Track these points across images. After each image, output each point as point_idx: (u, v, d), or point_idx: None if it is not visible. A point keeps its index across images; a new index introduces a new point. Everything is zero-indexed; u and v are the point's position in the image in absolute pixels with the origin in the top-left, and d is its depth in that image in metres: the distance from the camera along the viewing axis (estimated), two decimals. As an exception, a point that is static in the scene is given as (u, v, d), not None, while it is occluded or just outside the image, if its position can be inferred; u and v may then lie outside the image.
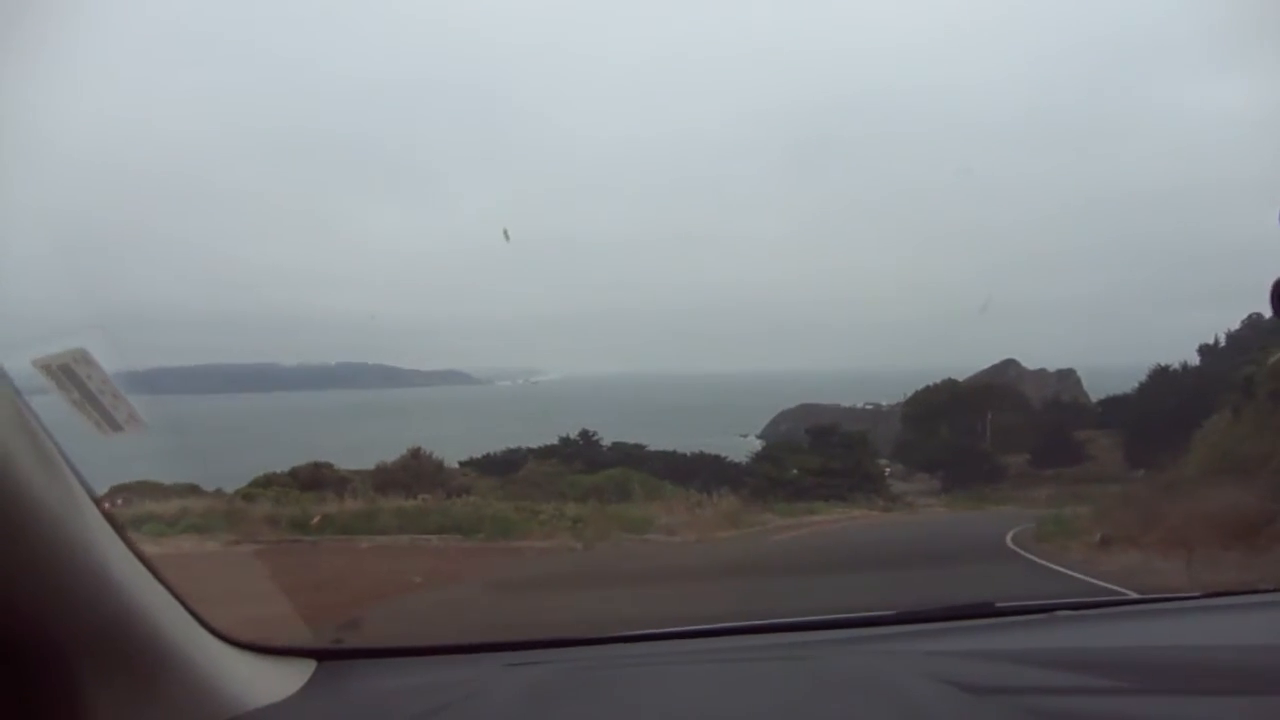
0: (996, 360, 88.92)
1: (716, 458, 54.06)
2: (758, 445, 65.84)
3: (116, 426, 1.90)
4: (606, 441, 53.72)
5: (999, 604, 3.17)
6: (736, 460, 54.27)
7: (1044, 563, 19.74)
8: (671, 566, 19.36)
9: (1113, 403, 70.43)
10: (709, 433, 68.75)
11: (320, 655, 2.47)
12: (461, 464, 44.83)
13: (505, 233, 78.87)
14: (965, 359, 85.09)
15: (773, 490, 44.52)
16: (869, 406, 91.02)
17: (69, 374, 1.85)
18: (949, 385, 76.51)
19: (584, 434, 53.73)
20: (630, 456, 50.12)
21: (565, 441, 52.69)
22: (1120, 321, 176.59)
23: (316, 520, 23.94)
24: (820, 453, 53.55)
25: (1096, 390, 78.48)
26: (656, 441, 55.12)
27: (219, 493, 30.10)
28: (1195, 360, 70.52)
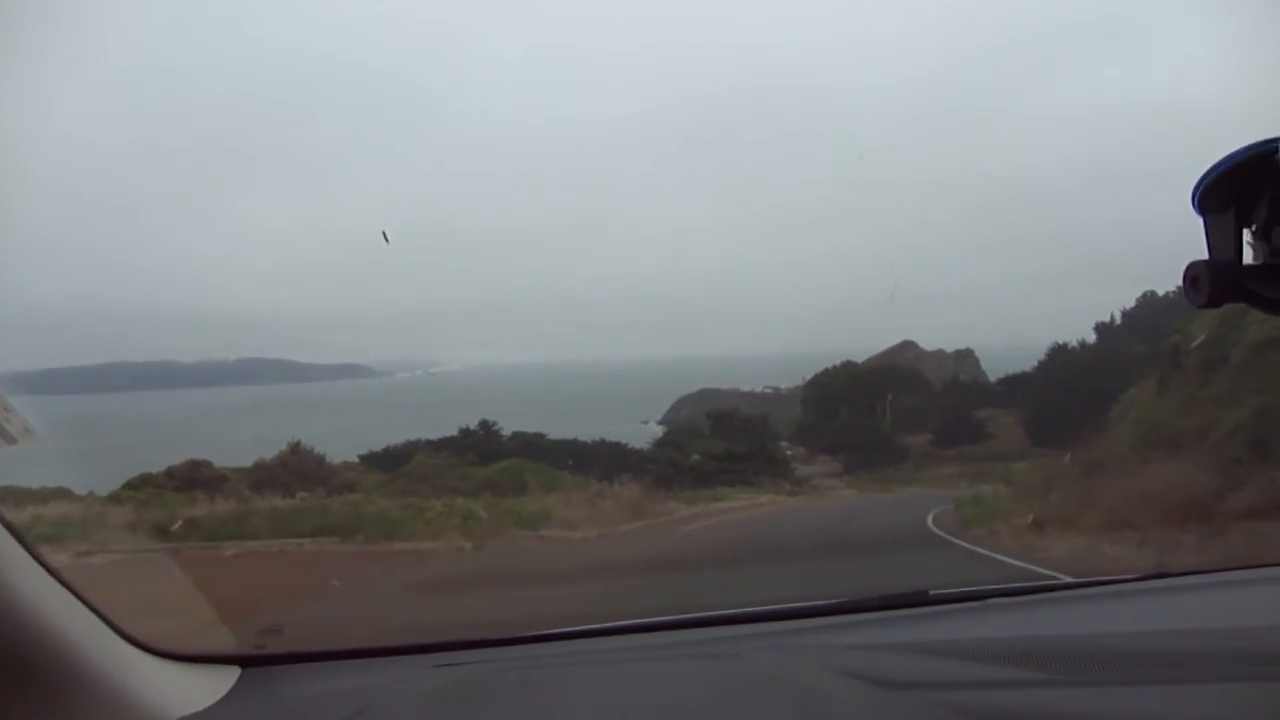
0: (894, 342, 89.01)
1: (619, 445, 53.15)
2: (659, 431, 64.67)
3: (10, 439, 1.95)
4: (506, 431, 52.62)
5: (933, 592, 3.07)
6: (639, 447, 53.28)
7: (978, 549, 18.37)
8: (571, 566, 17.62)
9: (1012, 381, 70.57)
10: (611, 420, 66.84)
11: (244, 662, 2.40)
12: (355, 459, 43.25)
13: (384, 235, 78.76)
14: (863, 342, 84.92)
15: (677, 477, 43.04)
16: (768, 390, 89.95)
17: None
18: (848, 367, 76.00)
19: (483, 424, 52.64)
20: (530, 446, 49.29)
21: (464, 433, 51.51)
22: (1013, 303, 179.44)
23: (177, 526, 21.47)
24: (722, 437, 52.88)
25: (993, 370, 78.46)
26: (558, 430, 54.23)
27: (91, 496, 27.91)
28: (1092, 338, 71.66)
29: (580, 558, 19.33)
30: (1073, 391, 59.16)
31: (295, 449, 34.90)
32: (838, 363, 76.25)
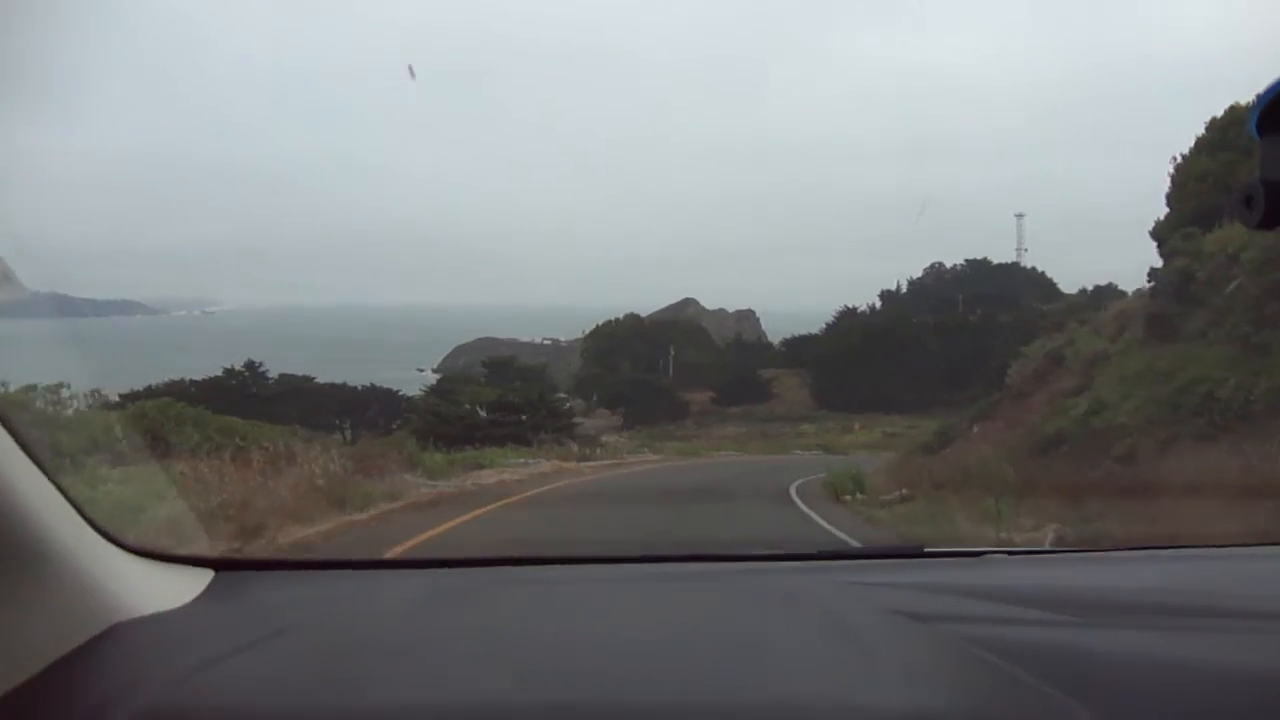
0: (676, 299, 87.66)
1: (390, 391, 49.94)
2: (434, 380, 59.86)
3: None
4: (273, 374, 49.24)
5: (928, 549, 2.92)
6: (410, 394, 49.15)
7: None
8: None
9: (797, 343, 69.36)
10: (389, 366, 62.69)
11: (218, 565, 2.32)
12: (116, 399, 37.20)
13: (410, 69, 70.57)
14: (644, 298, 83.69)
15: (441, 429, 37.09)
16: (548, 342, 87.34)
17: None
18: (631, 320, 73.78)
19: (249, 365, 48.67)
20: (297, 390, 46.95)
21: (229, 373, 47.52)
22: (795, 268, 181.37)
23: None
24: (499, 386, 46.94)
25: (773, 332, 77.62)
26: (334, 374, 50.97)
27: None
28: (878, 305, 71.77)
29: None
30: (859, 354, 58.98)
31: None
32: (620, 315, 73.66)
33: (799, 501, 19.33)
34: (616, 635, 1.97)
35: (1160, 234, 28.07)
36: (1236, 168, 25.16)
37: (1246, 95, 28.06)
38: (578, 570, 2.74)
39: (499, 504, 17.31)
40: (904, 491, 18.98)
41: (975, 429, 24.86)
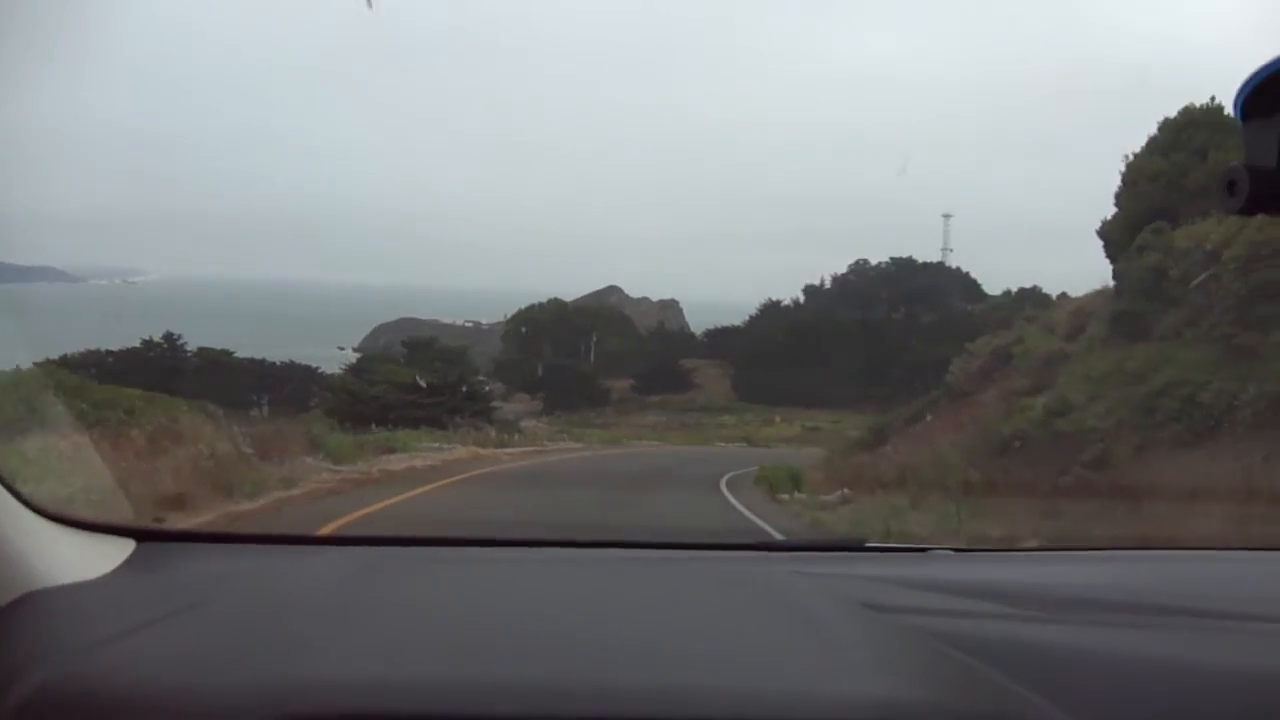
0: (599, 286, 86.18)
1: (309, 368, 48.48)
2: (354, 358, 57.62)
3: None
4: (192, 347, 47.36)
5: (869, 543, 2.83)
6: (330, 372, 47.04)
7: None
8: None
9: (719, 334, 68.35)
10: (310, 343, 60.35)
11: (140, 535, 2.19)
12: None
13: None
14: (567, 284, 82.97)
15: (355, 407, 34.32)
16: (469, 324, 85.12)
17: None
18: (554, 304, 71.84)
19: (168, 337, 46.81)
20: (215, 364, 45.27)
21: (147, 345, 45.89)
22: (719, 259, 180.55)
23: None
24: (419, 366, 44.07)
25: (696, 323, 76.20)
26: (255, 349, 49.22)
27: None
28: (801, 299, 70.60)
29: None
30: (781, 348, 57.83)
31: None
32: (544, 300, 71.80)
33: (733, 498, 17.71)
34: (557, 617, 1.85)
35: (1108, 234, 27.13)
36: (1189, 169, 24.36)
37: (1195, 98, 27.35)
38: (513, 552, 2.60)
39: (403, 496, 15.09)
40: (846, 491, 17.50)
41: (928, 418, 23.25)
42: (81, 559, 1.94)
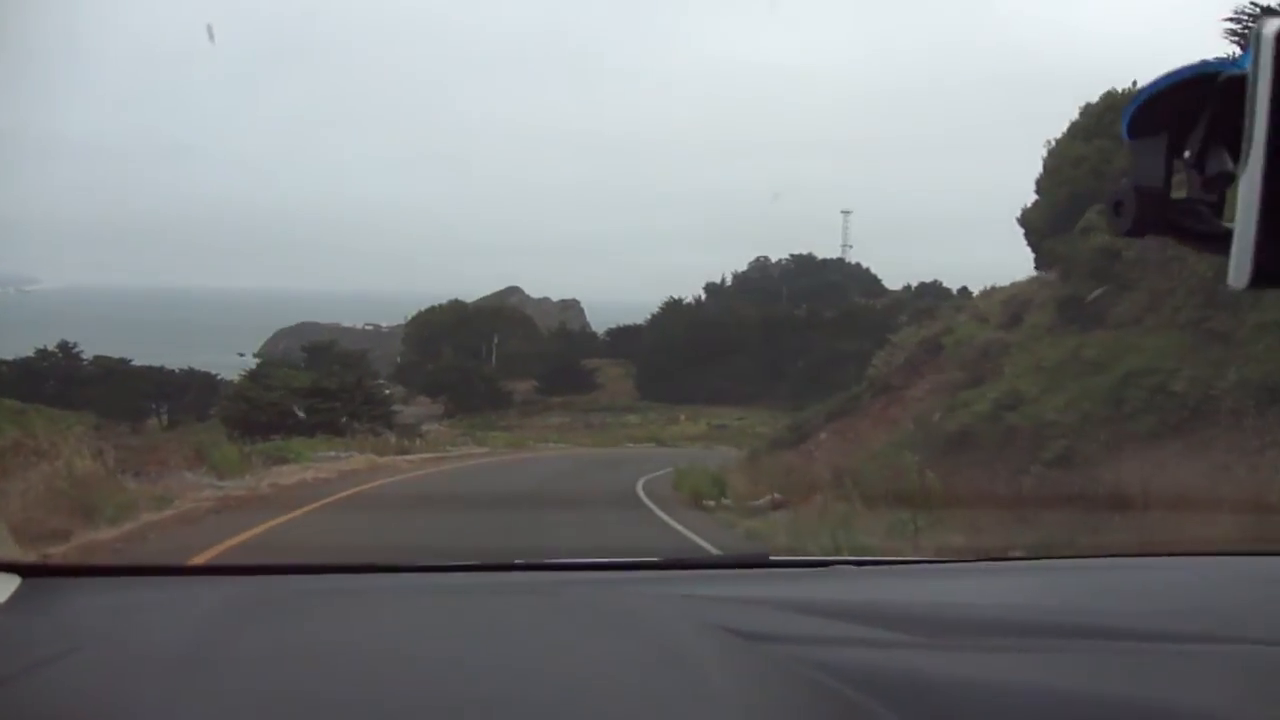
0: (500, 287, 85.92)
1: (208, 375, 47.48)
2: (254, 364, 54.34)
3: None
4: (88, 355, 46.06)
5: (773, 556, 2.84)
6: (230, 379, 44.60)
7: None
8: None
9: (621, 333, 67.58)
10: (210, 349, 58.86)
11: (25, 571, 2.08)
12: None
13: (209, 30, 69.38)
14: (467, 286, 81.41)
15: (253, 414, 31.84)
16: (369, 327, 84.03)
17: None
18: (455, 306, 70.75)
19: (63, 346, 45.60)
20: (112, 372, 43.70)
21: (41, 354, 44.56)
22: (616, 258, 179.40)
23: None
24: (316, 371, 42.19)
25: (596, 323, 75.92)
26: (153, 357, 48.18)
27: None
28: (703, 297, 70.04)
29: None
30: (686, 347, 56.88)
31: None
32: (444, 301, 70.68)
33: (653, 506, 15.91)
34: (423, 653, 1.79)
35: (1029, 222, 25.96)
36: (1112, 154, 23.30)
37: (1089, 95, 26.48)
38: (393, 579, 2.49)
39: (287, 516, 12.70)
40: (776, 496, 15.69)
41: (850, 415, 21.56)
42: None
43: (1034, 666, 1.67)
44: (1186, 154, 1.01)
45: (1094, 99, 26.05)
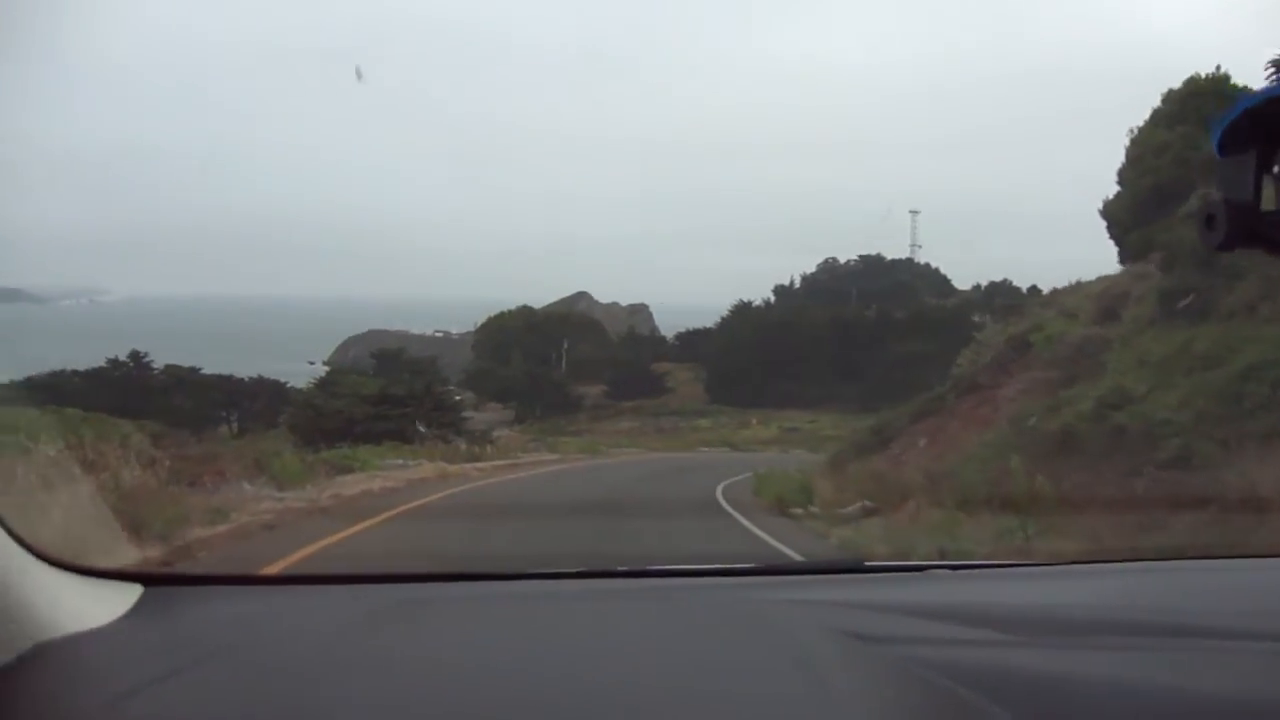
0: (569, 293, 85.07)
1: (276, 383, 46.18)
2: (323, 372, 54.50)
3: None
4: (159, 364, 45.24)
5: (868, 562, 2.94)
6: (299, 386, 44.26)
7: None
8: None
9: (691, 337, 66.92)
10: (281, 357, 58.64)
11: (148, 580, 2.03)
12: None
13: (358, 71, 67.98)
14: (536, 293, 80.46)
15: (319, 421, 31.32)
16: (439, 334, 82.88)
17: None
18: (524, 312, 70.36)
19: (134, 355, 44.43)
20: (183, 381, 43.38)
21: (113, 364, 43.59)
22: (684, 262, 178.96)
23: None
24: (384, 378, 41.56)
25: (665, 326, 75.14)
26: (224, 365, 47.23)
27: None
28: (772, 300, 69.32)
29: None
30: (756, 349, 56.22)
31: None
32: (513, 307, 70.34)
33: (737, 514, 15.16)
34: (567, 656, 1.80)
35: (1112, 214, 24.85)
36: (1199, 140, 22.18)
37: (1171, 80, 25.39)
38: (513, 586, 2.51)
39: (346, 531, 11.82)
40: (866, 503, 14.76)
41: (936, 417, 20.63)
42: (89, 606, 1.82)
43: (1137, 665, 1.64)
44: (1276, 169, 1.05)
45: (1175, 85, 25.03)
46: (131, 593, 1.97)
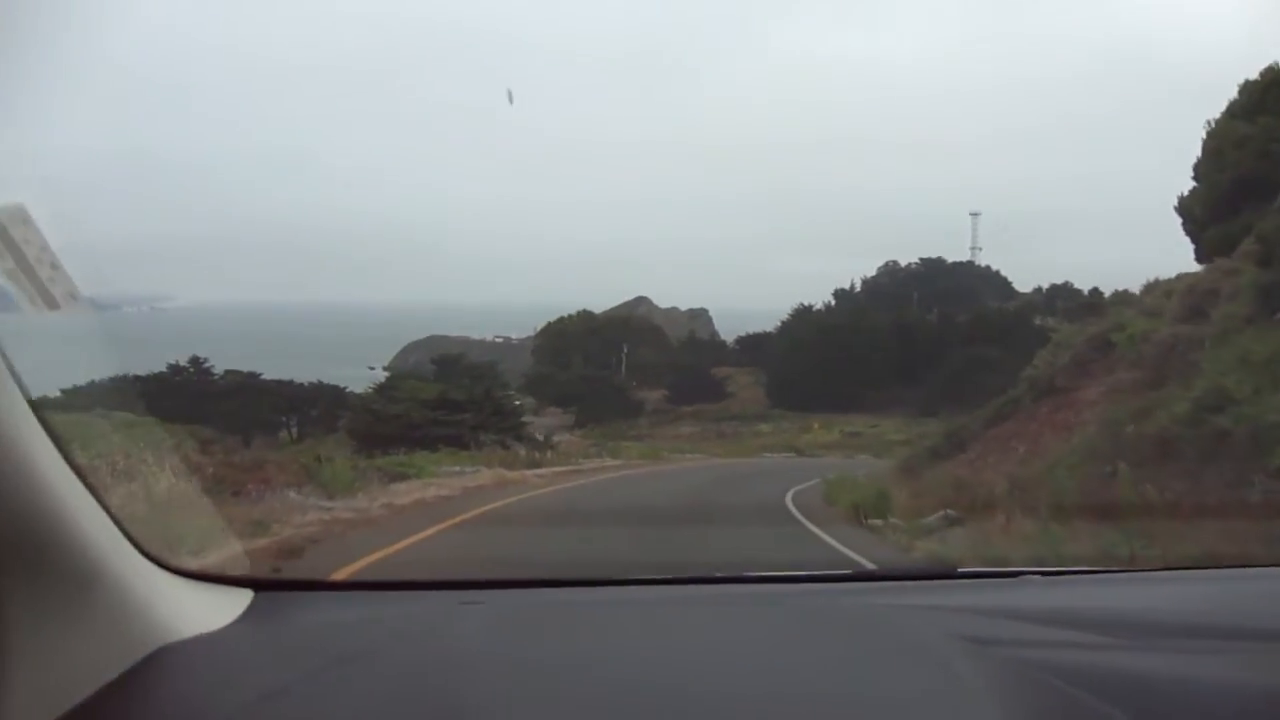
0: (628, 298, 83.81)
1: (336, 389, 45.76)
2: (384, 378, 54.34)
3: (54, 304, 1.63)
4: (219, 370, 45.38)
5: (961, 569, 2.80)
6: (358, 391, 43.87)
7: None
8: None
9: (751, 341, 65.94)
10: (341, 363, 57.52)
11: (258, 585, 2.11)
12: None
13: (509, 94, 68.87)
14: (595, 298, 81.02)
15: (377, 427, 31.18)
16: (499, 339, 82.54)
17: (3, 236, 1.53)
18: (584, 316, 69.33)
19: (194, 361, 44.80)
20: (244, 386, 43.24)
21: (174, 369, 43.42)
22: (744, 266, 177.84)
23: None
24: (444, 383, 41.23)
25: (725, 330, 74.31)
26: (284, 371, 47.02)
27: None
28: (831, 304, 67.94)
29: None
30: (817, 353, 55.01)
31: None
32: (573, 312, 69.31)
33: (810, 524, 14.38)
34: (698, 659, 1.78)
35: (1188, 210, 23.80)
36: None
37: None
38: (616, 592, 2.49)
39: (394, 546, 11.02)
40: (949, 512, 13.88)
41: (1013, 421, 19.73)
42: (204, 611, 1.86)
43: (1243, 669, 1.63)
44: None
45: (1254, 76, 23.74)
46: (242, 598, 2.01)
